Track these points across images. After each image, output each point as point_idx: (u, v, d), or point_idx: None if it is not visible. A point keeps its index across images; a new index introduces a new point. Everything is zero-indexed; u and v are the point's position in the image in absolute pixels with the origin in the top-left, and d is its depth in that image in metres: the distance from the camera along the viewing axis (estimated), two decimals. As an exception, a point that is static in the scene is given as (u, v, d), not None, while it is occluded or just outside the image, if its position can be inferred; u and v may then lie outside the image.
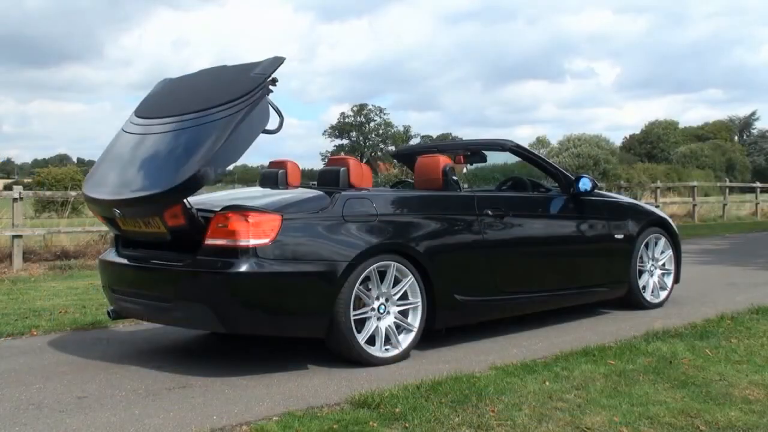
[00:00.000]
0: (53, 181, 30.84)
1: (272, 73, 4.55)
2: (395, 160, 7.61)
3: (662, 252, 6.54)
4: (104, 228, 11.29)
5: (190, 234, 4.39)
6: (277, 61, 4.63)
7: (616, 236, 6.10)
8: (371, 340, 4.57)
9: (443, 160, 5.38)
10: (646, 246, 6.39)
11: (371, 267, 4.52)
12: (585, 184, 5.86)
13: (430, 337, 4.96)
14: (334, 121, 79.66)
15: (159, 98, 5.11)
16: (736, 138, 75.88)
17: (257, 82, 4.47)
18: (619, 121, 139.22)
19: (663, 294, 6.54)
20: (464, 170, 6.50)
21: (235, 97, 4.43)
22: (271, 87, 4.52)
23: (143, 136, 4.77)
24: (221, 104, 4.45)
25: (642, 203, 7.16)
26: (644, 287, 6.38)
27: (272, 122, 4.58)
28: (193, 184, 4.21)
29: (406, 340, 4.70)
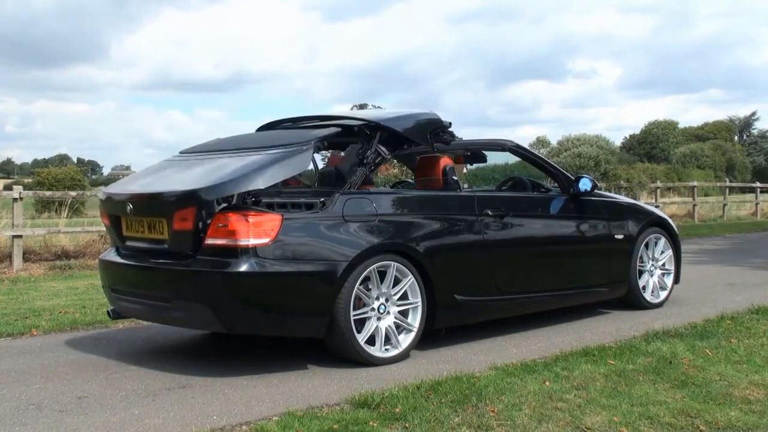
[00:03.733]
0: (53, 181, 30.85)
1: (327, 137, 4.88)
2: (395, 160, 7.58)
3: (662, 252, 6.54)
4: (104, 228, 11.28)
5: (189, 239, 4.36)
6: (335, 130, 4.95)
7: (616, 236, 6.10)
8: (371, 340, 4.57)
9: (443, 160, 5.39)
10: (646, 246, 6.39)
11: (371, 267, 4.52)
12: (585, 184, 5.85)
13: (430, 337, 4.96)
14: (334, 121, 79.41)
15: (208, 145, 5.46)
16: (736, 138, 75.86)
17: (310, 137, 4.75)
18: (621, 121, 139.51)
19: (663, 294, 6.54)
20: (464, 170, 6.50)
21: (282, 143, 4.71)
22: (322, 150, 4.67)
23: (182, 162, 5.09)
24: (267, 146, 4.73)
25: (642, 203, 7.16)
26: (644, 287, 6.38)
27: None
28: (214, 192, 4.27)
29: (406, 340, 4.70)
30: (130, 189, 4.96)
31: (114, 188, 5.18)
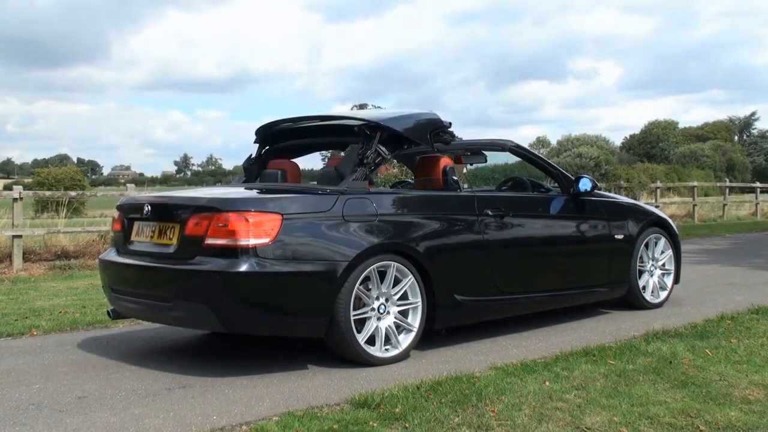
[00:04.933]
0: (53, 181, 30.85)
1: (354, 195, 4.81)
2: (395, 160, 7.61)
3: (662, 252, 6.54)
4: (104, 228, 11.29)
5: (197, 246, 4.37)
6: (362, 192, 4.92)
7: (616, 236, 6.10)
8: (371, 340, 4.56)
9: (443, 160, 5.39)
10: (646, 246, 6.39)
11: (371, 267, 4.52)
12: (585, 184, 5.85)
13: (430, 337, 4.96)
14: (334, 121, 79.44)
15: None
16: (736, 138, 75.84)
17: (342, 189, 4.78)
18: (622, 121, 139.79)
19: (663, 294, 6.54)
20: (464, 170, 6.50)
21: (317, 190, 4.76)
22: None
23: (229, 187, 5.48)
24: (306, 189, 4.89)
25: (642, 203, 7.15)
26: (644, 287, 6.38)
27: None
28: (235, 205, 4.36)
29: (406, 340, 4.70)
30: (154, 194, 5.34)
31: (136, 195, 5.75)
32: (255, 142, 5.88)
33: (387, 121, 5.07)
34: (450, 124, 5.40)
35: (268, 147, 5.91)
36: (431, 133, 5.24)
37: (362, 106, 78.28)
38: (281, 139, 5.94)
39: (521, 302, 5.48)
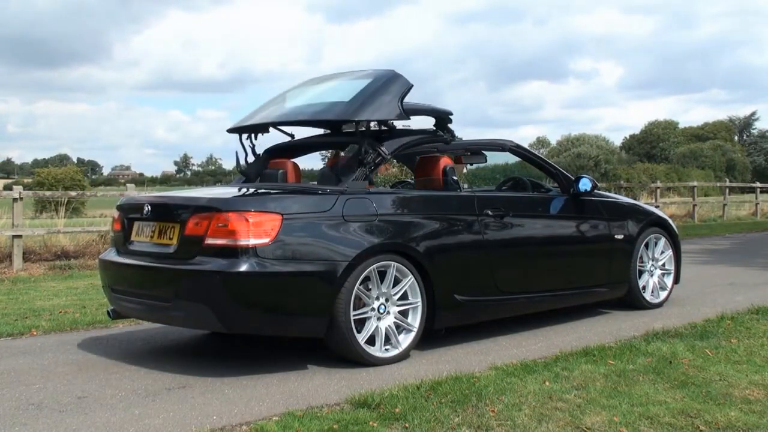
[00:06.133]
0: (53, 181, 30.90)
1: (354, 194, 4.75)
2: (395, 160, 7.64)
3: (662, 252, 6.54)
4: (104, 228, 11.29)
5: (197, 246, 4.37)
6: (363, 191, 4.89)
7: (616, 236, 6.10)
8: (371, 340, 4.56)
9: (443, 160, 5.39)
10: (646, 246, 6.39)
11: (371, 267, 4.52)
12: (585, 184, 5.85)
13: (430, 337, 4.96)
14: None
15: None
16: (736, 138, 75.87)
17: (340, 191, 4.78)
18: (622, 121, 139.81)
19: (663, 294, 6.54)
20: (464, 170, 6.49)
21: (318, 190, 4.80)
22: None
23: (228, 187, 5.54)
24: (306, 188, 4.95)
25: (642, 203, 7.15)
26: (644, 287, 6.38)
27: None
28: (236, 205, 4.39)
29: (406, 340, 4.70)
30: (154, 194, 5.38)
31: (136, 195, 5.90)
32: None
33: (354, 113, 4.94)
34: (451, 113, 5.44)
35: (250, 136, 5.77)
36: (401, 99, 5.06)
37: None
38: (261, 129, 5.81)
39: (521, 302, 5.48)
